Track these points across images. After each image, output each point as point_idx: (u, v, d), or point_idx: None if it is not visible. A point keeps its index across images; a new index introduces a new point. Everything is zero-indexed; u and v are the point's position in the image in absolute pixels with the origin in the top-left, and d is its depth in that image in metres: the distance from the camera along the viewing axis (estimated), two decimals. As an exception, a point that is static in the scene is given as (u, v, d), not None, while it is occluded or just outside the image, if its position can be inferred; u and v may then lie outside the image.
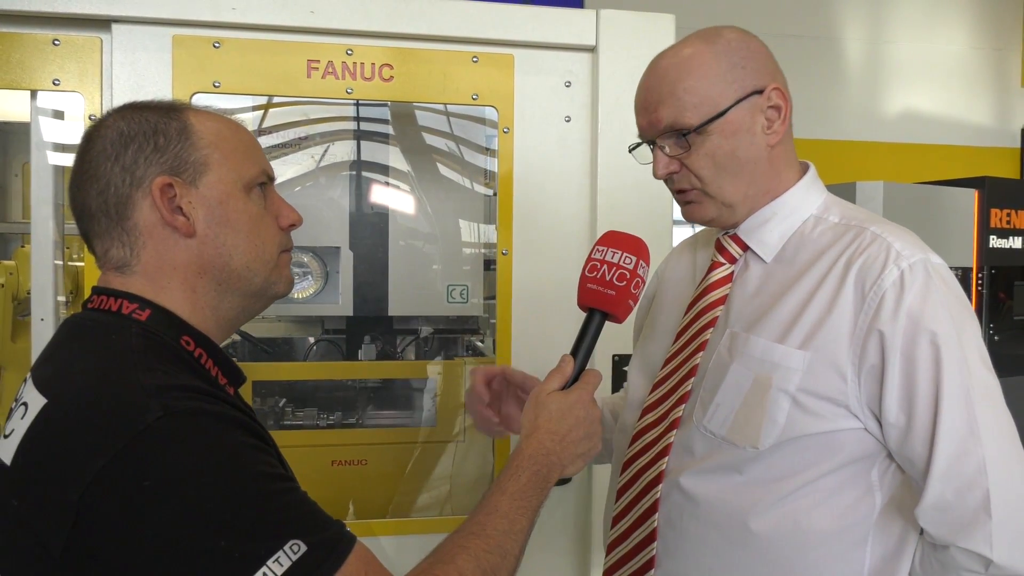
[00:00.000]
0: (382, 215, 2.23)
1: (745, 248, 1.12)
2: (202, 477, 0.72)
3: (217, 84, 1.70)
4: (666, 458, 1.10)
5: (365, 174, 2.25)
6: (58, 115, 1.82)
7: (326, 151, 2.29)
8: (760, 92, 1.05)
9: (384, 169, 2.27)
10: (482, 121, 2.29)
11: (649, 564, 1.09)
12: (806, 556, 1.01)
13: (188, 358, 0.85)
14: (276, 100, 2.15)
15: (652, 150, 1.10)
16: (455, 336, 2.38)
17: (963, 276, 2.98)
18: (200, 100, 1.75)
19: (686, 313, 1.16)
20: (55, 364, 0.83)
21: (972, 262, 3.00)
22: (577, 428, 0.98)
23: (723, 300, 1.12)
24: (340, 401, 2.26)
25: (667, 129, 1.06)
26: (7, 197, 2.66)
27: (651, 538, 1.09)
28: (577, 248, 1.85)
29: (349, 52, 1.74)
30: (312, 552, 0.72)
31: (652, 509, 1.09)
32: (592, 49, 1.81)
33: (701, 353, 1.11)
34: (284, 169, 2.21)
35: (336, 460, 2.05)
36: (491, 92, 1.79)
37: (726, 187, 1.07)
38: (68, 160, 1.89)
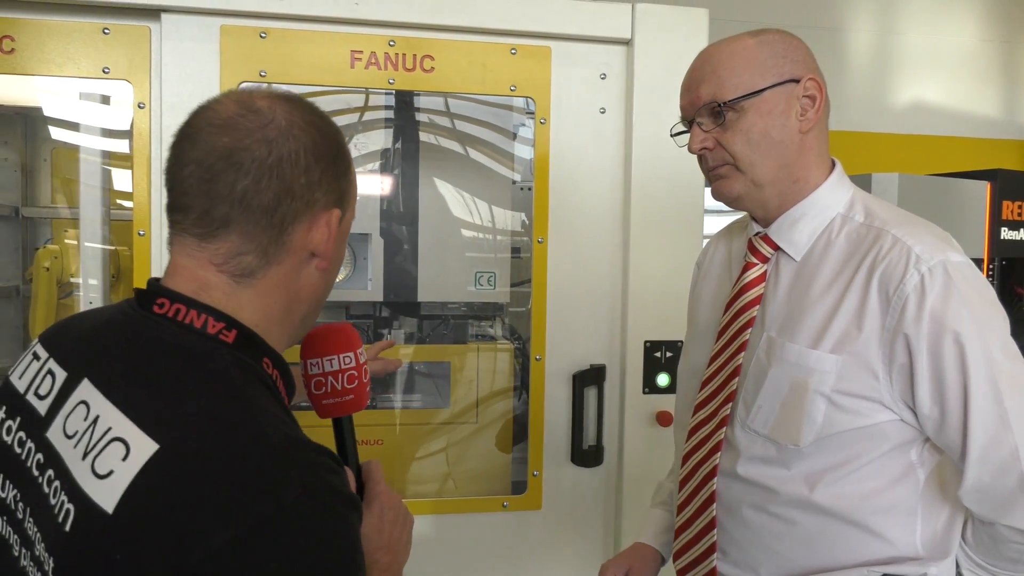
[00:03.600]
0: (411, 203, 2.27)
1: (776, 248, 1.17)
2: (324, 560, 0.70)
3: (263, 73, 1.74)
4: (719, 453, 1.17)
5: (396, 162, 2.29)
6: (105, 101, 1.86)
7: (352, 140, 2.32)
8: (797, 81, 1.11)
9: (414, 157, 2.30)
10: (510, 108, 2.33)
11: (711, 549, 1.17)
12: (859, 532, 1.09)
13: (271, 384, 0.81)
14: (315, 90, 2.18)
15: (690, 128, 1.16)
16: (482, 322, 2.43)
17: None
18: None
19: (725, 312, 1.22)
20: (154, 397, 0.73)
21: (984, 253, 3.05)
22: (396, 529, 0.93)
23: (758, 300, 1.17)
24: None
25: (706, 104, 1.12)
26: (36, 182, 2.68)
27: (711, 526, 1.17)
28: (610, 238, 1.90)
29: (392, 43, 1.77)
30: None
31: (710, 500, 1.17)
32: (627, 42, 1.85)
33: (743, 353, 1.17)
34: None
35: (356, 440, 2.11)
36: (528, 83, 1.84)
37: (757, 164, 1.12)
38: (113, 145, 1.93)
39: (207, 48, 1.71)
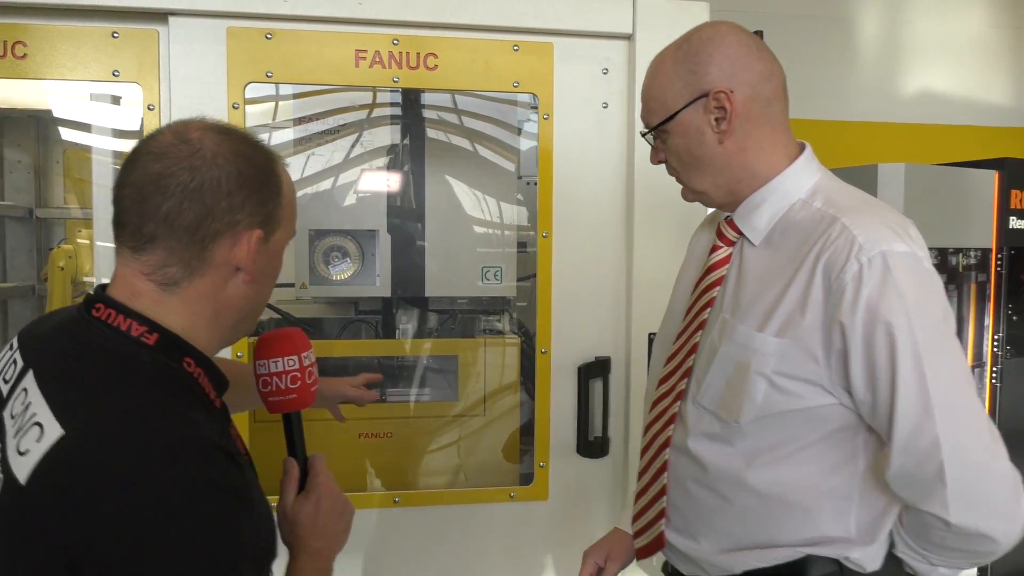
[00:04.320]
0: (418, 199, 2.29)
1: (740, 232, 1.21)
2: (198, 547, 0.79)
3: (269, 74, 1.77)
4: (672, 425, 1.23)
5: (402, 159, 2.31)
6: (115, 102, 1.89)
7: (358, 137, 2.35)
8: (707, 95, 1.14)
9: (420, 154, 2.33)
10: (515, 104, 2.34)
11: (661, 515, 1.24)
12: (793, 514, 1.13)
13: (190, 381, 0.90)
14: (318, 87, 2.21)
15: None
16: (489, 316, 2.45)
17: (982, 257, 3.03)
18: (253, 90, 1.81)
19: (692, 292, 1.27)
20: (69, 391, 0.84)
21: (992, 243, 3.05)
22: (333, 518, 1.04)
23: (720, 281, 1.22)
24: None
25: (646, 127, 1.22)
26: (49, 183, 2.73)
27: (662, 493, 1.24)
28: (614, 231, 1.92)
29: (395, 42, 1.80)
30: None
31: (662, 469, 1.23)
32: (629, 37, 1.87)
33: (700, 332, 1.22)
34: (325, 156, 2.28)
35: (363, 433, 2.14)
36: (531, 79, 1.86)
37: (692, 178, 1.20)
38: (124, 146, 1.96)
39: (214, 50, 1.74)
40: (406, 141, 2.34)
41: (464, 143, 2.39)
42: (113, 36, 1.73)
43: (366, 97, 2.31)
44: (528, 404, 2.13)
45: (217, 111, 1.74)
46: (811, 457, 1.12)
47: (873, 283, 1.03)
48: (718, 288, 1.22)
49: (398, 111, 2.35)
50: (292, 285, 2.27)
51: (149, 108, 1.75)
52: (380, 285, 2.28)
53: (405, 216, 2.30)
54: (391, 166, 2.31)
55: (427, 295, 2.31)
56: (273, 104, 2.24)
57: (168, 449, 0.79)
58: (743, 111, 1.14)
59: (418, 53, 1.81)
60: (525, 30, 1.83)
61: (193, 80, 1.74)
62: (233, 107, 1.75)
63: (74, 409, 0.82)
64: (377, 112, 2.32)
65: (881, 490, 1.13)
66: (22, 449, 0.81)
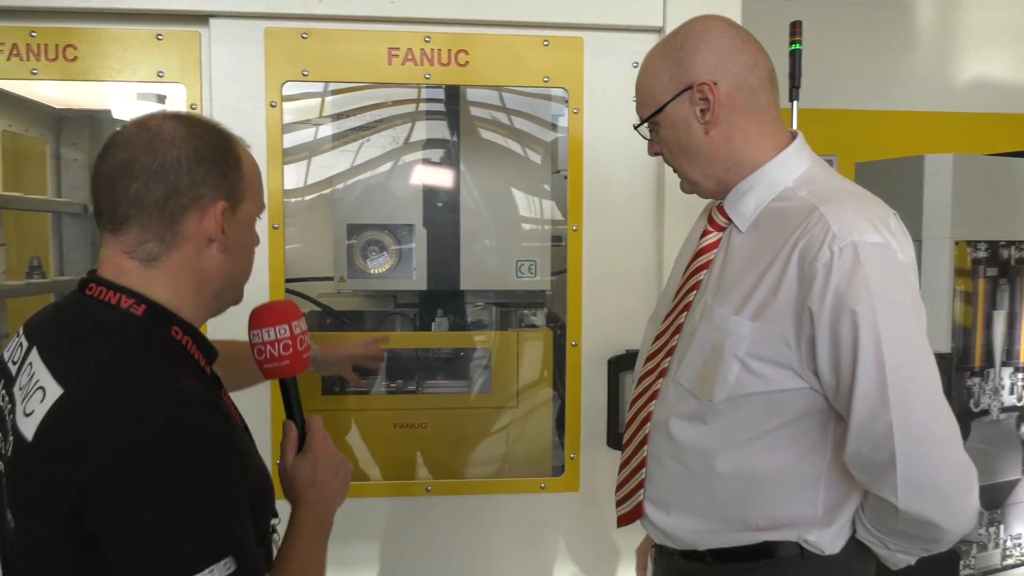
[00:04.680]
0: (453, 193, 2.32)
1: (729, 219, 1.24)
2: (187, 485, 0.86)
3: (306, 72, 1.82)
4: (654, 401, 1.27)
5: (437, 154, 2.35)
6: (161, 101, 1.97)
7: (395, 133, 2.39)
8: (691, 87, 1.18)
9: (455, 149, 2.36)
10: (548, 98, 2.36)
11: (640, 485, 1.29)
12: (761, 494, 1.17)
13: (178, 347, 0.98)
14: (354, 85, 2.25)
15: None
16: (523, 310, 2.47)
17: (1034, 249, 2.93)
18: (290, 88, 1.87)
19: (683, 275, 1.32)
20: (67, 356, 0.94)
21: (1045, 235, 2.95)
22: (329, 475, 1.11)
23: (708, 265, 1.26)
24: (404, 369, 2.38)
25: (640, 119, 1.27)
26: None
27: (642, 465, 1.28)
28: (644, 224, 1.92)
29: (427, 39, 1.83)
30: (241, 570, 0.89)
31: (643, 442, 1.28)
32: (659, 30, 1.86)
33: (686, 313, 1.26)
34: (362, 151, 2.33)
35: (398, 423, 2.19)
36: (562, 74, 1.87)
37: (684, 168, 1.25)
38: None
39: (253, 50, 1.79)
40: (442, 136, 2.37)
41: (499, 138, 2.41)
42: (158, 38, 1.79)
43: (402, 93, 2.35)
44: (560, 397, 2.15)
45: (255, 109, 1.80)
46: (781, 440, 1.15)
47: (842, 272, 1.05)
48: (705, 272, 1.26)
49: (434, 107, 2.38)
50: (331, 279, 2.33)
51: (192, 107, 1.81)
52: (416, 279, 2.32)
53: (441, 210, 2.33)
54: (427, 161, 2.34)
55: (462, 288, 2.35)
56: (310, 101, 2.30)
57: (156, 400, 0.87)
58: (727, 102, 1.17)
59: (449, 50, 1.84)
60: (555, 25, 1.85)
61: (233, 79, 1.80)
62: (271, 105, 1.80)
63: (72, 371, 0.91)
64: (413, 108, 2.36)
65: (846, 475, 1.16)
66: (28, 411, 0.91)
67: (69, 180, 2.75)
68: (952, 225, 2.71)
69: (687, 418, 1.21)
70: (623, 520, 1.33)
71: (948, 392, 1.22)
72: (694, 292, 1.26)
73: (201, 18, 1.79)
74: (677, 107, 1.20)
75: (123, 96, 2.26)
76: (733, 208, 1.23)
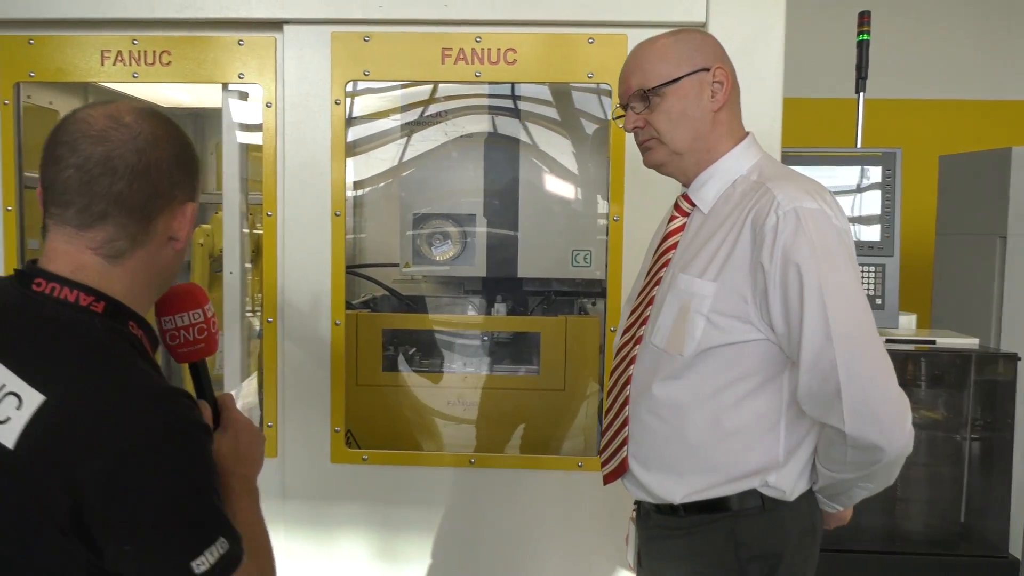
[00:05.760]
0: (513, 184, 2.44)
1: (693, 204, 1.41)
2: (185, 478, 0.91)
3: (367, 72, 1.98)
4: (632, 366, 1.42)
5: (498, 147, 2.47)
6: (243, 98, 2.18)
7: (454, 126, 2.53)
8: (707, 70, 1.35)
9: (515, 142, 2.47)
10: (608, 92, 2.43)
11: (624, 442, 1.42)
12: (729, 444, 1.32)
13: (135, 342, 1.00)
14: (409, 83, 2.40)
15: (626, 112, 1.41)
16: (578, 298, 2.56)
17: None
18: (351, 85, 2.03)
19: (653, 256, 1.48)
20: (39, 360, 0.92)
21: None
22: (250, 447, 1.13)
23: (675, 246, 1.42)
24: (459, 350, 2.52)
25: (636, 93, 1.38)
26: (206, 172, 3.12)
27: (625, 423, 1.42)
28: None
29: (478, 39, 1.95)
30: (232, 547, 0.94)
31: (625, 403, 1.42)
32: (702, 26, 1.91)
33: (657, 287, 1.42)
34: (425, 144, 2.49)
35: (450, 400, 2.33)
36: (605, 70, 1.95)
37: (677, 137, 1.38)
38: (252, 139, 2.25)
39: (320, 53, 1.97)
40: (503, 129, 2.49)
41: (557, 131, 2.51)
42: (239, 44, 2.00)
43: (465, 88, 2.48)
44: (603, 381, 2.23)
45: (321, 106, 1.98)
46: (744, 389, 1.31)
47: (787, 232, 1.23)
48: (673, 251, 1.42)
49: (496, 101, 2.50)
50: (396, 265, 2.50)
51: (267, 105, 2.01)
52: (476, 266, 2.46)
53: (501, 201, 2.46)
54: (488, 153, 2.46)
55: (519, 276, 2.46)
56: (378, 97, 2.47)
57: (146, 397, 0.91)
58: (732, 92, 1.38)
59: (498, 49, 1.95)
60: (599, 23, 1.93)
61: (303, 80, 1.98)
62: (335, 103, 1.98)
63: (50, 376, 0.91)
64: (475, 102, 2.49)
65: (803, 420, 1.32)
66: (1, 418, 0.89)
67: (175, 172, 3.04)
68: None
69: (661, 376, 1.35)
70: (608, 478, 1.46)
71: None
72: (664, 269, 1.42)
73: (276, 25, 1.98)
74: (691, 82, 1.35)
75: (209, 96, 2.49)
76: (697, 194, 1.41)
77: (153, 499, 0.89)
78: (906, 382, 2.48)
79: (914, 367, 2.47)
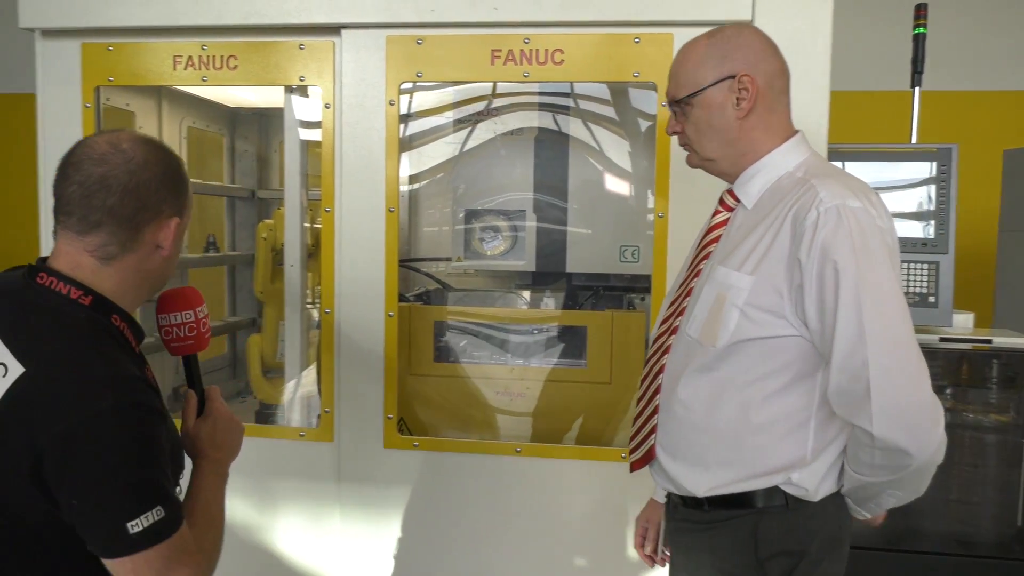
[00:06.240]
0: (562, 180, 2.49)
1: (737, 199, 1.42)
2: (128, 450, 1.06)
3: (420, 74, 2.06)
4: (666, 355, 1.44)
5: (548, 143, 2.52)
6: (303, 95, 2.28)
7: (503, 124, 2.58)
8: (734, 77, 1.35)
9: (564, 138, 2.52)
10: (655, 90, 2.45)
11: (653, 430, 1.45)
12: (756, 439, 1.32)
13: (116, 334, 1.17)
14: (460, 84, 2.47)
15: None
16: (626, 293, 2.60)
17: None
18: (406, 88, 2.11)
19: (695, 248, 1.51)
20: (26, 338, 1.10)
21: None
22: (226, 435, 1.31)
23: (717, 239, 1.44)
24: (508, 342, 2.58)
25: (669, 100, 1.43)
26: (269, 169, 3.27)
27: (655, 412, 1.45)
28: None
29: (526, 41, 2.01)
30: (168, 516, 1.09)
31: (656, 391, 1.45)
32: (748, 22, 1.92)
33: (696, 279, 1.44)
34: (476, 142, 2.55)
35: (499, 391, 2.40)
36: (651, 69, 1.98)
37: (704, 145, 1.42)
38: (312, 135, 2.36)
39: (376, 56, 2.06)
40: (553, 126, 2.54)
41: (606, 128, 2.55)
42: (300, 48, 2.11)
43: (516, 87, 2.54)
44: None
45: (377, 107, 2.07)
46: (775, 385, 1.31)
47: (828, 228, 1.23)
48: (715, 244, 1.44)
49: (545, 99, 2.55)
50: (449, 259, 2.58)
51: (326, 107, 2.11)
52: (526, 260, 2.52)
53: (550, 197, 2.51)
54: (538, 150, 2.52)
55: (568, 271, 2.52)
56: (431, 96, 2.54)
57: (103, 380, 1.07)
58: (761, 97, 1.37)
59: (546, 49, 2.00)
60: (646, 23, 1.96)
61: (359, 82, 2.08)
62: (389, 103, 2.06)
63: (31, 353, 1.09)
64: (524, 99, 2.55)
65: (833, 420, 1.31)
66: None
67: (241, 169, 3.20)
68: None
69: (693, 367, 1.36)
70: (636, 465, 1.49)
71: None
72: (705, 261, 1.44)
73: (335, 29, 2.07)
74: (716, 92, 1.36)
75: (272, 98, 2.61)
76: (742, 190, 1.42)
77: (97, 465, 1.05)
78: (959, 381, 2.44)
79: (969, 367, 2.43)
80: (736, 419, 1.33)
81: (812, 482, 1.31)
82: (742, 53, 1.37)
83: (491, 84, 2.47)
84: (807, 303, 1.25)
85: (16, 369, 1.08)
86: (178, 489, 1.22)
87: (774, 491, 1.32)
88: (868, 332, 1.19)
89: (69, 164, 1.17)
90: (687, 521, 1.43)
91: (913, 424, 1.18)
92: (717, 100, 1.36)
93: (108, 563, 1.09)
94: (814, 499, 1.31)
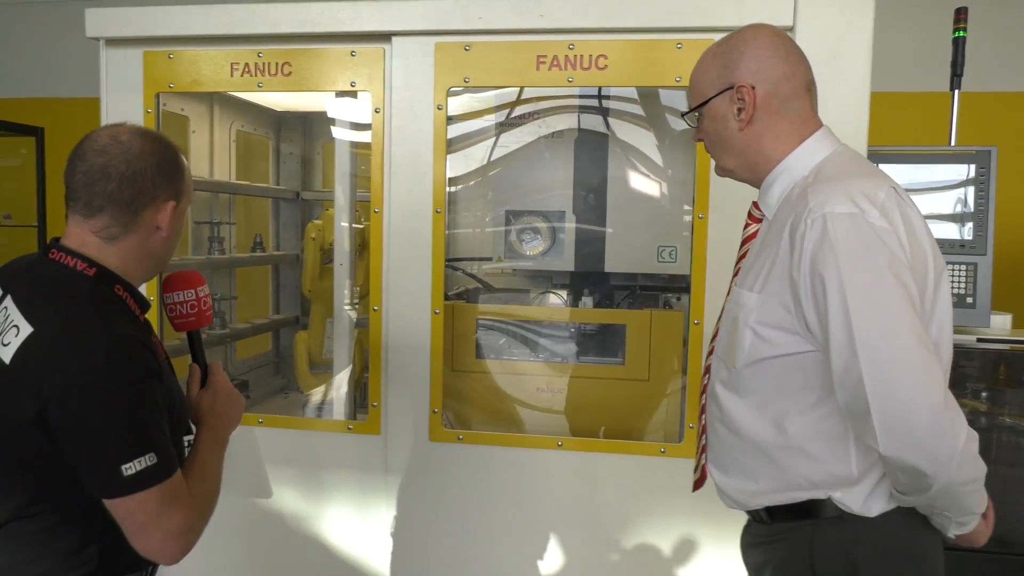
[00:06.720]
0: (601, 182, 2.54)
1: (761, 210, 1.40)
2: (120, 400, 1.18)
3: (467, 80, 2.12)
4: (708, 375, 1.46)
5: (588, 144, 2.57)
6: (352, 97, 2.36)
7: (545, 127, 2.64)
8: (733, 88, 1.32)
9: (604, 139, 2.57)
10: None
11: (703, 449, 1.47)
12: (796, 454, 1.27)
13: (119, 301, 1.30)
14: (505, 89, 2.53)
15: None
16: (663, 292, 2.65)
17: None
18: (454, 92, 2.18)
19: (735, 266, 1.48)
20: (36, 303, 1.25)
21: None
22: (225, 405, 1.42)
23: (745, 255, 1.42)
24: (548, 340, 2.64)
25: (688, 109, 1.43)
26: (313, 171, 3.36)
27: (704, 430, 1.46)
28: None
29: (571, 47, 2.07)
30: (160, 463, 1.20)
31: (703, 410, 1.47)
32: (790, 29, 1.96)
33: (728, 297, 1.43)
34: (517, 144, 2.62)
35: (540, 387, 2.46)
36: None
37: (717, 155, 1.43)
38: (359, 138, 2.44)
39: (424, 62, 2.13)
40: (593, 128, 2.59)
41: (644, 130, 2.60)
42: (352, 55, 2.19)
43: (557, 90, 2.59)
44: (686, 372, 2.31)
45: (425, 111, 2.14)
46: (807, 401, 1.26)
47: (813, 240, 1.18)
48: (743, 261, 1.42)
49: (585, 101, 2.61)
50: (490, 259, 2.65)
51: (376, 111, 2.19)
52: (565, 260, 2.58)
53: (590, 198, 2.56)
54: (578, 152, 2.58)
55: (606, 271, 2.57)
56: (465, 97, 2.61)
57: (100, 337, 1.20)
58: (762, 104, 1.33)
59: (590, 55, 2.06)
60: (688, 29, 2.01)
61: (408, 87, 2.15)
62: (437, 108, 2.14)
63: (39, 315, 1.23)
64: (565, 102, 2.61)
65: None
66: (5, 342, 1.24)
67: (286, 170, 3.29)
68: None
69: (726, 386, 1.36)
70: (696, 484, 1.52)
71: None
72: (735, 278, 1.43)
73: (385, 37, 2.15)
74: (719, 103, 1.35)
75: (324, 102, 2.69)
76: (762, 200, 1.39)
77: (94, 412, 1.17)
78: (997, 381, 2.45)
79: (1007, 367, 2.44)
80: (772, 435, 1.29)
81: (856, 502, 1.25)
82: (744, 61, 1.32)
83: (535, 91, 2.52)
84: (808, 318, 1.20)
85: (26, 329, 1.22)
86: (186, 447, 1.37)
87: (828, 503, 1.27)
88: (859, 345, 1.11)
89: (76, 155, 1.31)
90: (756, 535, 1.41)
91: (921, 442, 1.09)
92: (720, 111, 1.35)
93: (107, 503, 1.20)
94: (869, 515, 1.25)
